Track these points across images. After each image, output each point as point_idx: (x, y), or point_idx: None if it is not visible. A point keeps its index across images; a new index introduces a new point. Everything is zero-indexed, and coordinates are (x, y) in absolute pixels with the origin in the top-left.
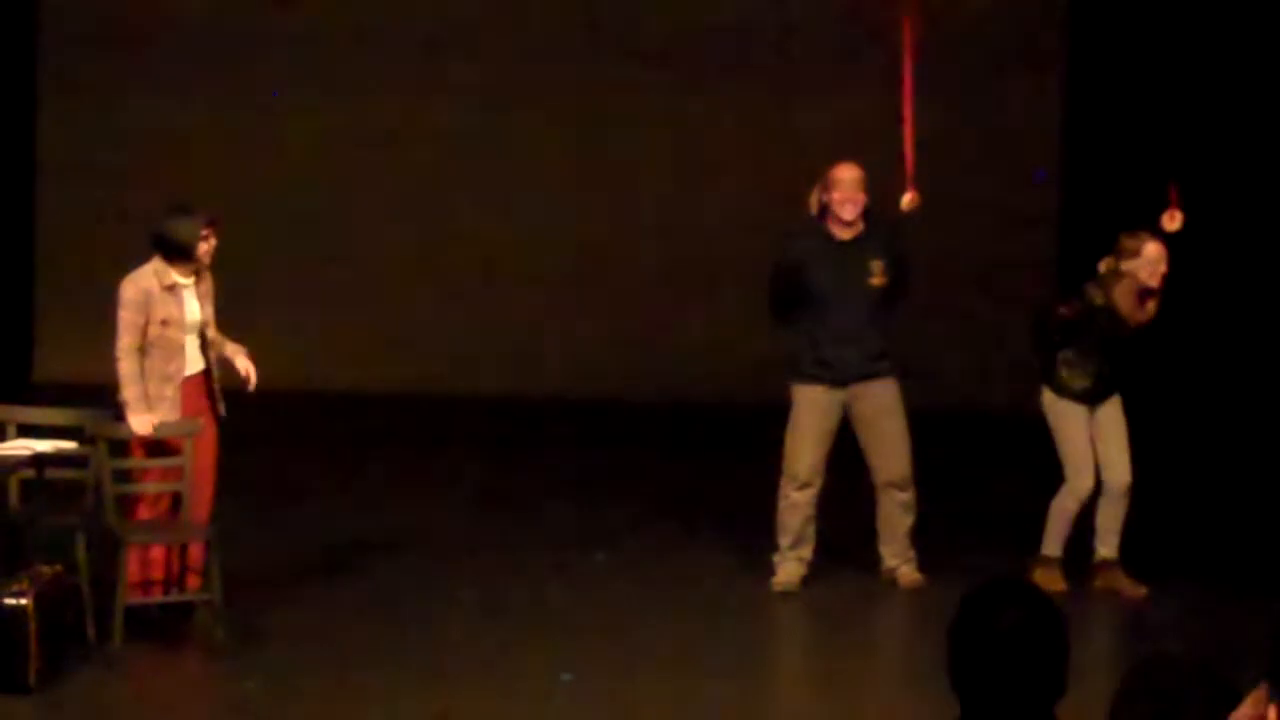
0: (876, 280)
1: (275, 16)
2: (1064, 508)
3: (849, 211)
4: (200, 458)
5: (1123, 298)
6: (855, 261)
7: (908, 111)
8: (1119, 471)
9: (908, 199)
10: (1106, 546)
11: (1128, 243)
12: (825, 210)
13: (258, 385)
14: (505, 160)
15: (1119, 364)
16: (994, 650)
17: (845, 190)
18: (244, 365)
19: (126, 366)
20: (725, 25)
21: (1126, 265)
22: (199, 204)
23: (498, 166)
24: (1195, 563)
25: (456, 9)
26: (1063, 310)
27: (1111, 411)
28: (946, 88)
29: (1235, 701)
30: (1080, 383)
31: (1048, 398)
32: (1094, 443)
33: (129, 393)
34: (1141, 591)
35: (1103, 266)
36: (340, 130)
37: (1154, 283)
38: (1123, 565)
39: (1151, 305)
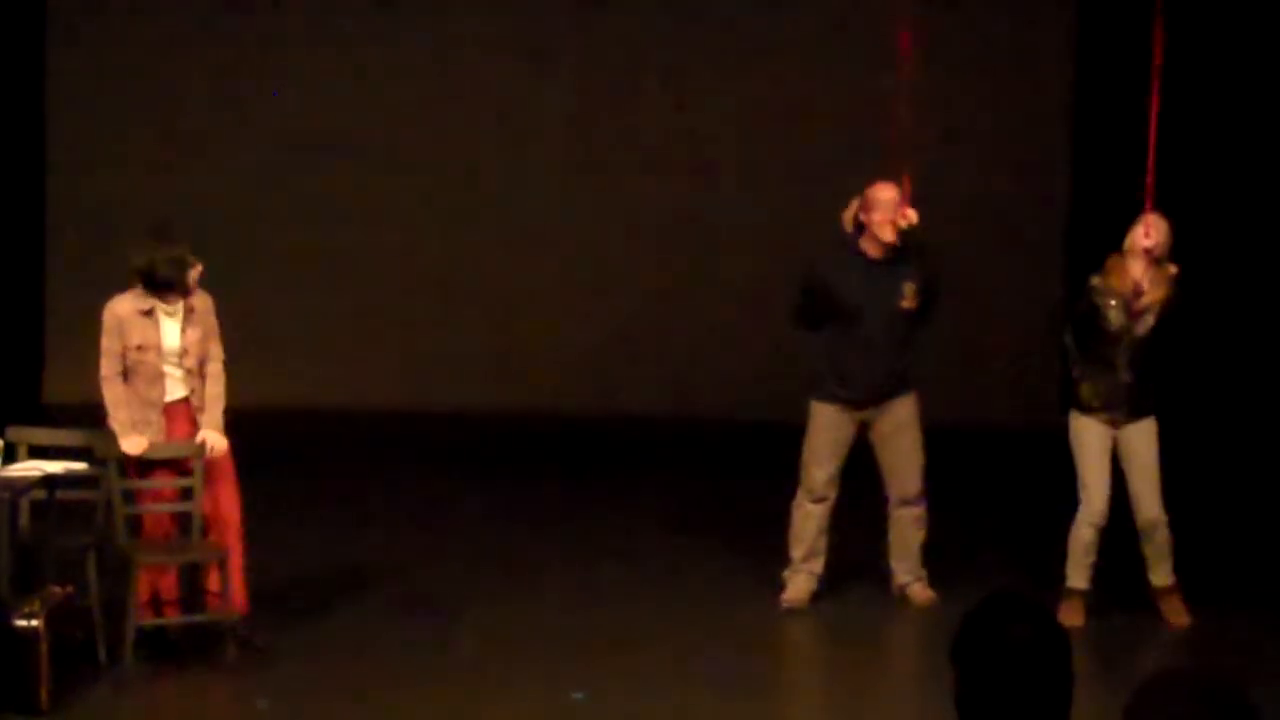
0: (907, 303)
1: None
2: (1079, 536)
3: (889, 233)
4: (217, 475)
5: (1121, 275)
6: (888, 281)
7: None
8: (1145, 507)
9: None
10: (1156, 575)
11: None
12: (861, 228)
13: (270, 404)
14: (511, 174)
15: (1145, 378)
16: (1000, 667)
17: (885, 212)
18: (211, 440)
19: (109, 392)
20: None
21: (1126, 244)
22: (202, 231)
23: (505, 179)
24: (1209, 582)
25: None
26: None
27: (1140, 438)
28: (947, 92)
29: (1250, 718)
30: (1096, 397)
31: (1071, 418)
32: (1124, 472)
33: (116, 417)
34: (1184, 621)
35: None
36: (348, 146)
37: (1149, 241)
38: (1180, 591)
39: (1162, 278)
